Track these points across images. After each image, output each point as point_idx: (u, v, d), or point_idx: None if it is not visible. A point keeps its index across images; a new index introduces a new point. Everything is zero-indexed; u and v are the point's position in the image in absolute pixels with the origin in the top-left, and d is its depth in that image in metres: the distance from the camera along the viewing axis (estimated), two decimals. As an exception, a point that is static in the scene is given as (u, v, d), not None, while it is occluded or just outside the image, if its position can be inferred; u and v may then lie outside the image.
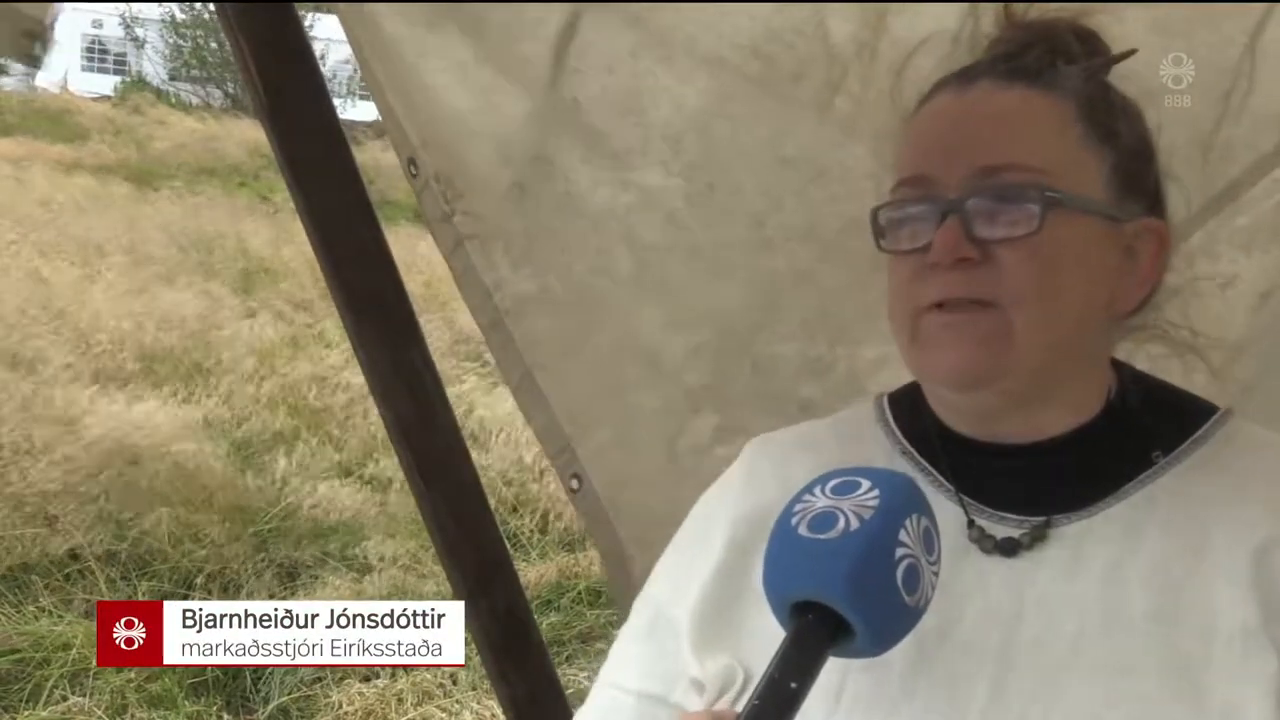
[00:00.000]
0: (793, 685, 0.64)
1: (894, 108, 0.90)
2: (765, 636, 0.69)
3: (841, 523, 0.67)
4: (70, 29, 23.23)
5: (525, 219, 1.39)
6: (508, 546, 1.55)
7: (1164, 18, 1.10)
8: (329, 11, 1.32)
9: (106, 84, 21.07)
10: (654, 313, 1.43)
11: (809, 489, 0.71)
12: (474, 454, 1.50)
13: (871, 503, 0.68)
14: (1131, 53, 0.87)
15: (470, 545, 1.46)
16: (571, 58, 1.27)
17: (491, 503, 1.54)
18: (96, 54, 23.50)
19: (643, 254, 1.39)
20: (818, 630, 0.66)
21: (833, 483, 0.71)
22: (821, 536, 0.67)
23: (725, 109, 1.28)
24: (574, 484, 1.51)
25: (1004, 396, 0.82)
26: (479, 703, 4.70)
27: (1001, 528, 0.83)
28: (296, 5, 1.35)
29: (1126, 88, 0.88)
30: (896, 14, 1.13)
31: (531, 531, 6.11)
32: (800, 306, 1.40)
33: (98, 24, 23.29)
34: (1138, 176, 0.84)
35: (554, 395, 1.48)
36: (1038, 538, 0.81)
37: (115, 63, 23.10)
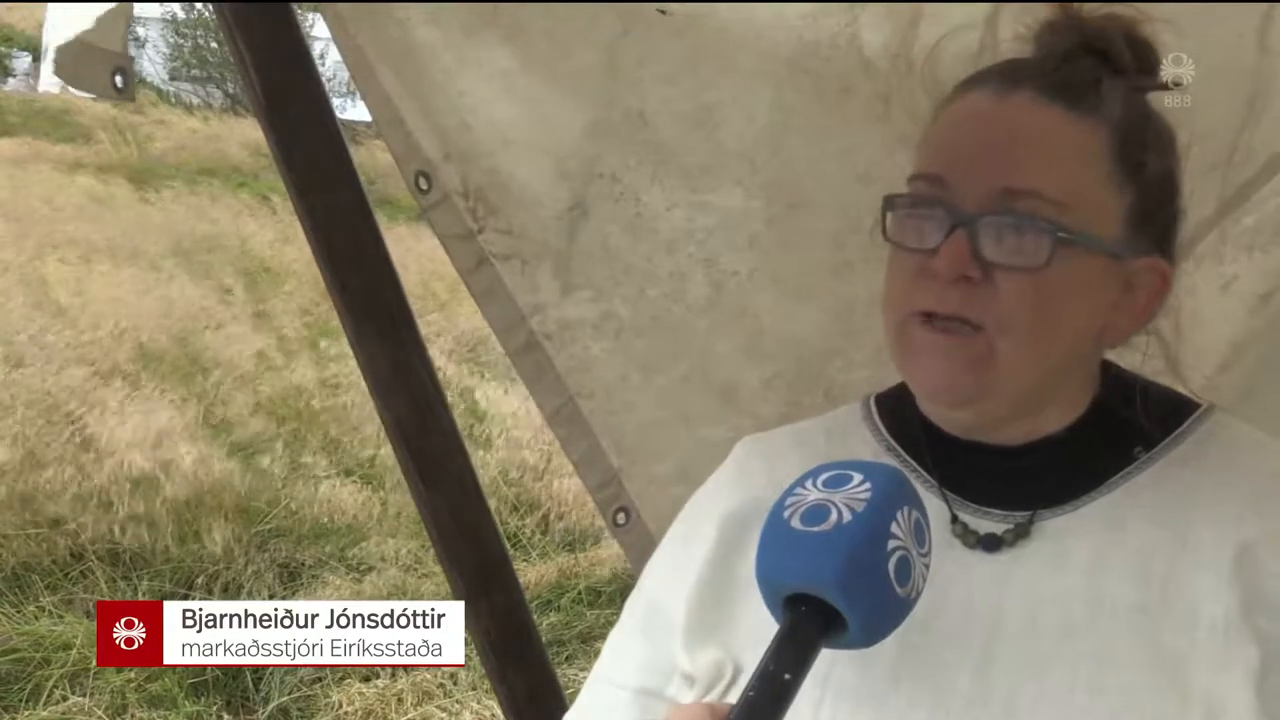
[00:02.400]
0: (786, 677, 0.65)
1: (925, 94, 0.88)
2: (754, 629, 0.70)
3: (834, 515, 0.68)
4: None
5: (585, 240, 1.32)
6: (507, 546, 1.54)
7: (1174, 17, 1.09)
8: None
9: (107, 84, 20.98)
10: (731, 343, 1.37)
11: (800, 482, 0.72)
12: (476, 454, 1.49)
13: (863, 496, 0.68)
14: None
15: (469, 545, 1.46)
16: (629, 67, 1.21)
17: (493, 503, 1.53)
18: (97, 54, 23.40)
19: (722, 280, 1.33)
20: (811, 623, 0.67)
21: (824, 476, 0.71)
22: (814, 529, 0.67)
23: (794, 123, 1.22)
24: (620, 518, 1.45)
25: (983, 416, 0.83)
26: (479, 703, 4.71)
27: (985, 523, 0.84)
28: (296, 6, 1.33)
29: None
30: (925, 20, 1.08)
31: (532, 531, 6.12)
32: (876, 332, 1.35)
33: (98, 24, 23.21)
34: (1154, 214, 0.84)
35: (601, 425, 1.43)
36: (1021, 534, 0.82)
37: (116, 63, 23.01)
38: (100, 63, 0.86)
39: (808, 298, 1.34)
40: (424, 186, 1.31)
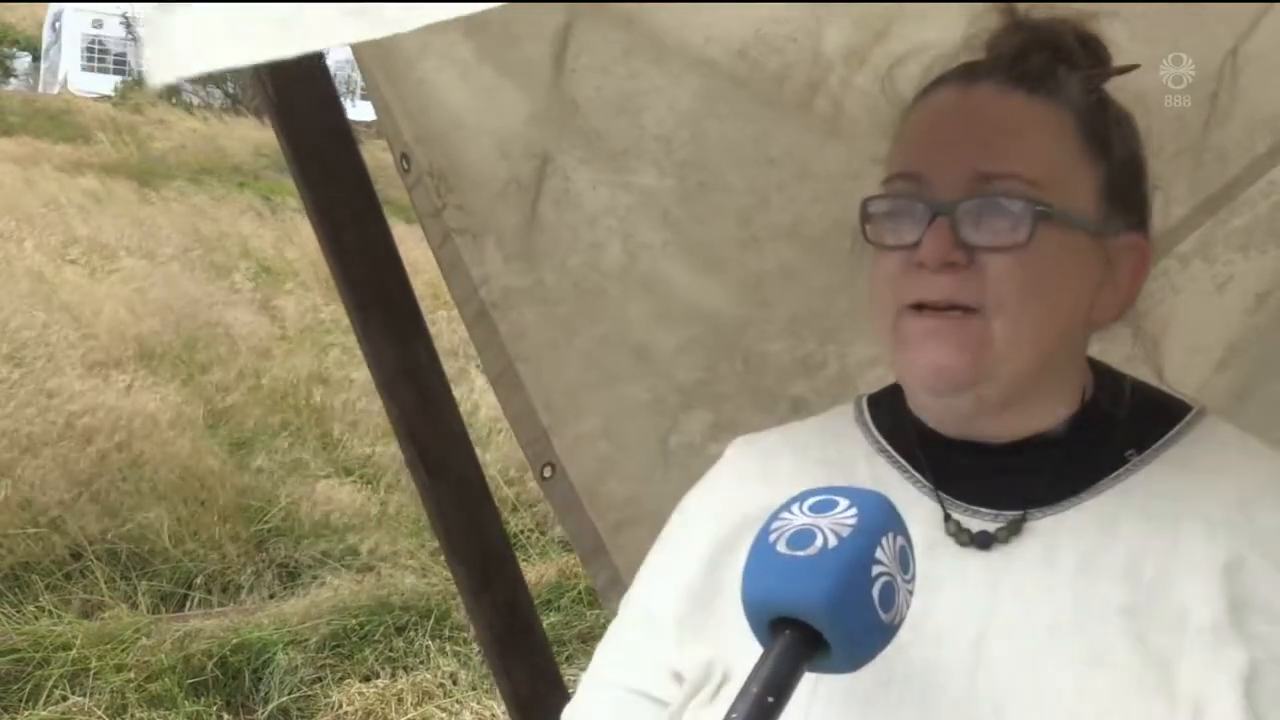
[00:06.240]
0: (769, 700, 0.65)
1: (887, 102, 0.91)
2: (746, 632, 0.71)
3: (820, 540, 0.68)
4: (70, 29, 23.24)
5: (521, 215, 1.39)
6: (510, 541, 1.56)
7: (1150, 23, 1.10)
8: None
9: (107, 84, 21.05)
10: (643, 307, 1.44)
11: (786, 507, 0.72)
12: (476, 453, 1.52)
13: (849, 521, 0.69)
14: (1134, 67, 0.88)
15: (473, 539, 1.47)
16: (569, 58, 1.27)
17: (492, 502, 1.55)
18: (96, 54, 23.47)
19: (634, 250, 1.40)
20: (795, 646, 0.67)
21: (810, 501, 0.72)
22: (800, 553, 0.68)
23: (715, 109, 1.28)
24: (546, 471, 1.52)
25: (980, 403, 0.83)
26: (479, 702, 4.71)
27: (977, 521, 0.84)
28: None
29: (1120, 89, 0.89)
30: (900, 24, 1.13)
31: (531, 531, 6.11)
32: (787, 304, 1.41)
33: (98, 24, 23.27)
34: (1127, 191, 0.86)
35: (533, 385, 1.49)
36: (1013, 531, 0.83)
37: (115, 63, 23.08)
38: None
39: (717, 269, 1.40)
40: (406, 167, 1.37)
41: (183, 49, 0.48)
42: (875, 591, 0.68)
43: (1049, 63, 0.84)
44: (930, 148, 0.84)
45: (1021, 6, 0.88)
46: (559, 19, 1.24)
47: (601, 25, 1.25)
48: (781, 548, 0.69)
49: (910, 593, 0.71)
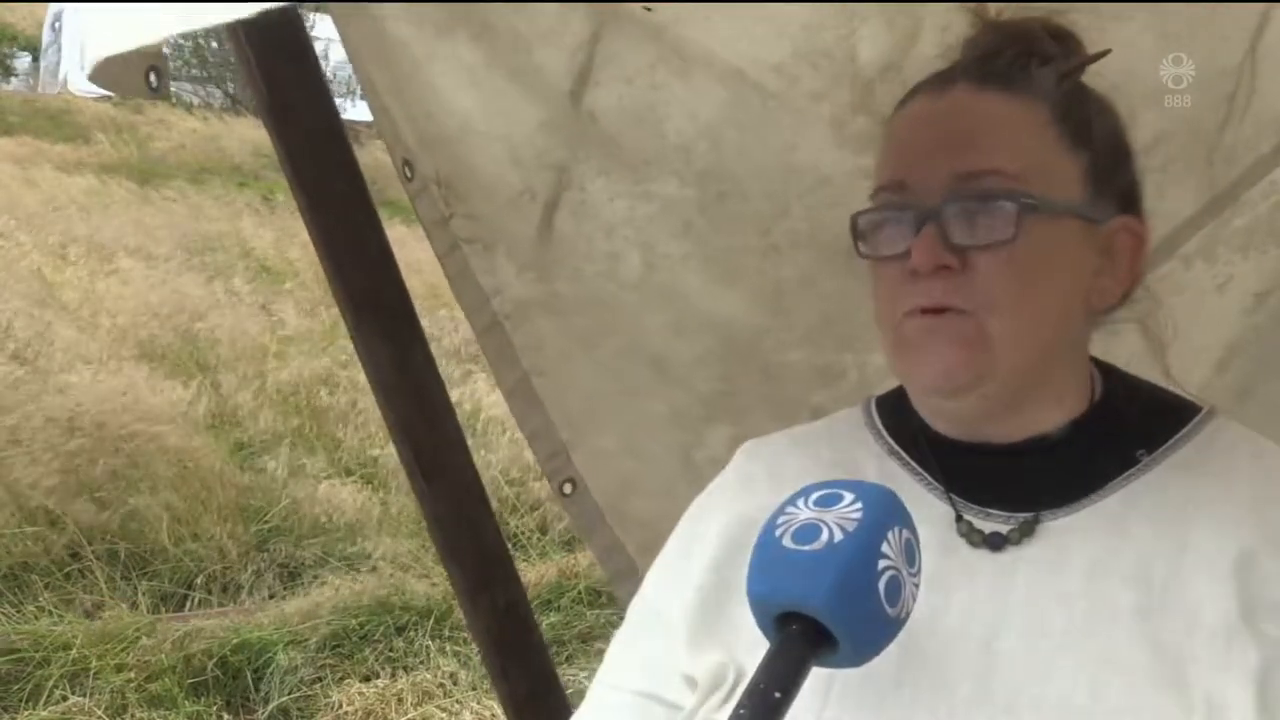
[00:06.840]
0: (777, 695, 0.65)
1: (866, 117, 0.92)
2: (757, 634, 0.71)
3: (825, 535, 0.68)
4: (70, 29, 23.22)
5: (534, 224, 1.38)
6: (507, 544, 1.55)
7: (1165, 20, 1.10)
8: (327, 11, 1.29)
9: (107, 84, 20.98)
10: (660, 318, 1.43)
11: (792, 501, 0.72)
12: (477, 454, 1.51)
13: (855, 515, 0.69)
14: (1105, 53, 0.88)
15: (470, 542, 1.47)
16: (595, 69, 1.26)
17: (493, 503, 1.55)
18: (97, 54, 23.42)
19: (654, 260, 1.39)
20: (801, 641, 0.67)
21: (816, 495, 0.72)
22: (805, 548, 0.68)
23: (736, 117, 1.27)
24: (566, 488, 1.51)
25: (986, 401, 0.83)
26: (479, 703, 4.70)
27: (989, 523, 0.84)
28: (299, 5, 1.33)
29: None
30: (927, 33, 1.12)
31: (531, 531, 6.11)
32: (805, 313, 1.40)
33: (99, 24, 23.23)
34: (1113, 176, 0.86)
35: (551, 400, 1.48)
36: (1025, 532, 0.83)
37: (116, 63, 23.02)
38: (136, 65, 0.87)
39: (734, 279, 1.40)
40: (409, 175, 1.36)
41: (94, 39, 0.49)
42: (881, 586, 0.68)
43: (1020, 58, 0.84)
44: (911, 156, 0.85)
45: (993, 9, 0.89)
46: (585, 29, 1.23)
47: (631, 36, 1.24)
48: (787, 543, 0.69)
49: (916, 586, 0.71)
